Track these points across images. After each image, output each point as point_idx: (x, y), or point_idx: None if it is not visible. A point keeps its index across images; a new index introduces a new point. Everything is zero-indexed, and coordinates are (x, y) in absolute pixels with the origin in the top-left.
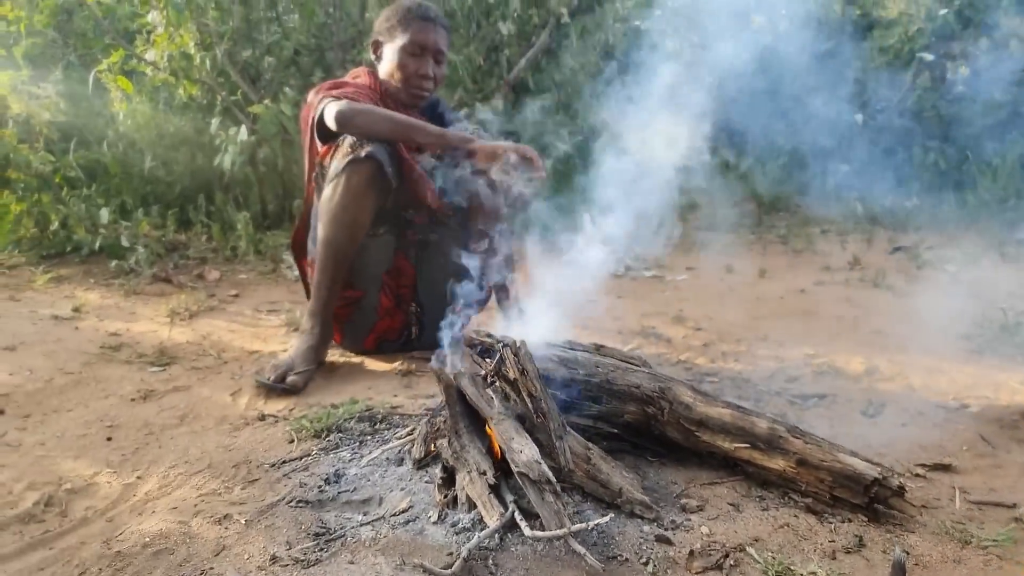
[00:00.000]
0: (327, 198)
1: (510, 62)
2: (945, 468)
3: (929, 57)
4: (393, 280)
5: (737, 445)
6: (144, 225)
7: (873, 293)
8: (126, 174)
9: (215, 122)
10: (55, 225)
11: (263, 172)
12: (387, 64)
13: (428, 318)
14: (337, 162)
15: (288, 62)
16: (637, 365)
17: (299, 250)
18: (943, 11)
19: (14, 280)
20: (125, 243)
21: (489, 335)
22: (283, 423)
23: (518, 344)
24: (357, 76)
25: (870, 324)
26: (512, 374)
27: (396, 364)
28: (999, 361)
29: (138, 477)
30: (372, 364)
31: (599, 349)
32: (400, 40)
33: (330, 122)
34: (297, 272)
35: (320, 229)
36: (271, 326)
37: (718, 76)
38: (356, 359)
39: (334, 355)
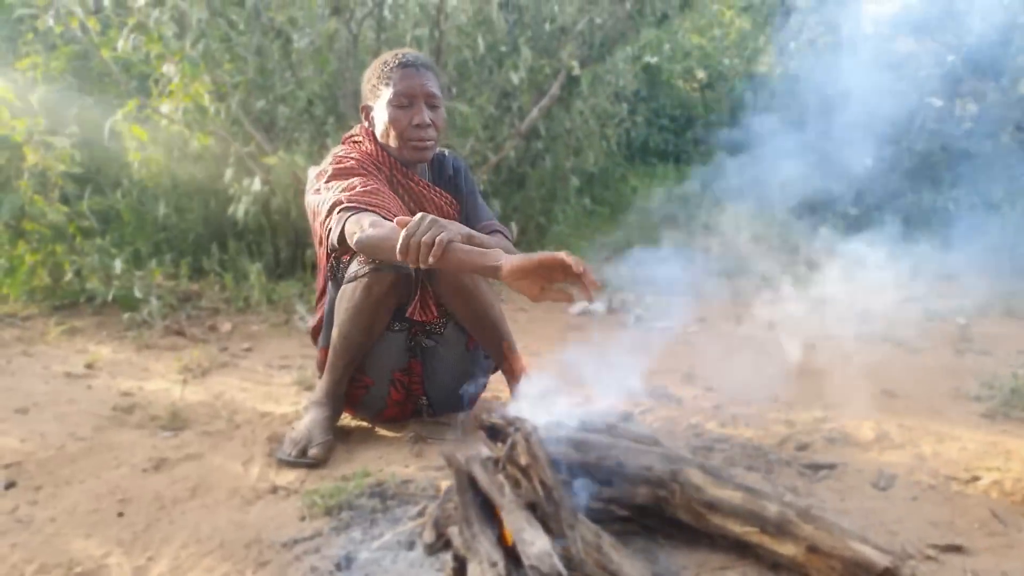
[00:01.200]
0: (347, 296)
1: (521, 111)
2: (956, 549)
3: (938, 102)
4: (405, 376)
5: (747, 529)
6: (157, 274)
7: (883, 348)
8: (140, 222)
9: (229, 172)
10: (69, 275)
11: (276, 221)
12: (380, 126)
13: (437, 408)
14: (357, 266)
15: (302, 111)
16: (649, 444)
17: (315, 338)
18: (950, 57)
19: (28, 333)
20: (138, 294)
21: (501, 416)
22: (294, 496)
23: (529, 429)
24: (358, 140)
25: (880, 384)
26: (524, 460)
27: (407, 432)
28: (1011, 427)
29: (149, 558)
30: (383, 431)
31: (611, 429)
32: (385, 95)
33: (348, 240)
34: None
35: (338, 322)
36: (283, 384)
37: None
38: (366, 424)
39: (345, 418)
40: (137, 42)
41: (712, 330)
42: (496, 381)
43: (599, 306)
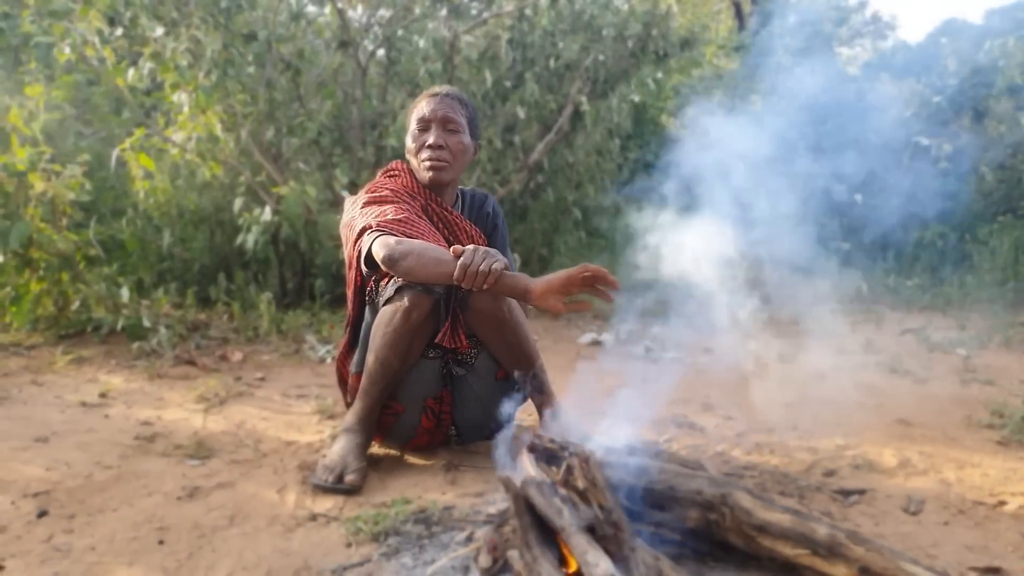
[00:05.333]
0: (384, 321)
1: (524, 144)
2: (996, 572)
3: (925, 141)
4: (437, 404)
5: (798, 551)
6: (164, 303)
7: (891, 379)
8: (144, 251)
9: (238, 202)
10: (75, 304)
11: (284, 251)
12: (408, 154)
13: (465, 438)
14: (394, 290)
15: (310, 142)
16: (694, 469)
17: (343, 367)
18: (936, 98)
19: (35, 362)
20: (147, 323)
21: (552, 440)
22: (336, 523)
23: (587, 453)
24: (395, 174)
25: (894, 412)
26: (581, 483)
27: (438, 459)
28: None
29: None
30: (413, 458)
31: (658, 454)
32: (411, 125)
33: (378, 260)
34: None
35: (375, 347)
36: (303, 413)
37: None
38: (395, 452)
39: (373, 447)
40: (151, 71)
41: (721, 361)
42: (521, 412)
43: (608, 337)
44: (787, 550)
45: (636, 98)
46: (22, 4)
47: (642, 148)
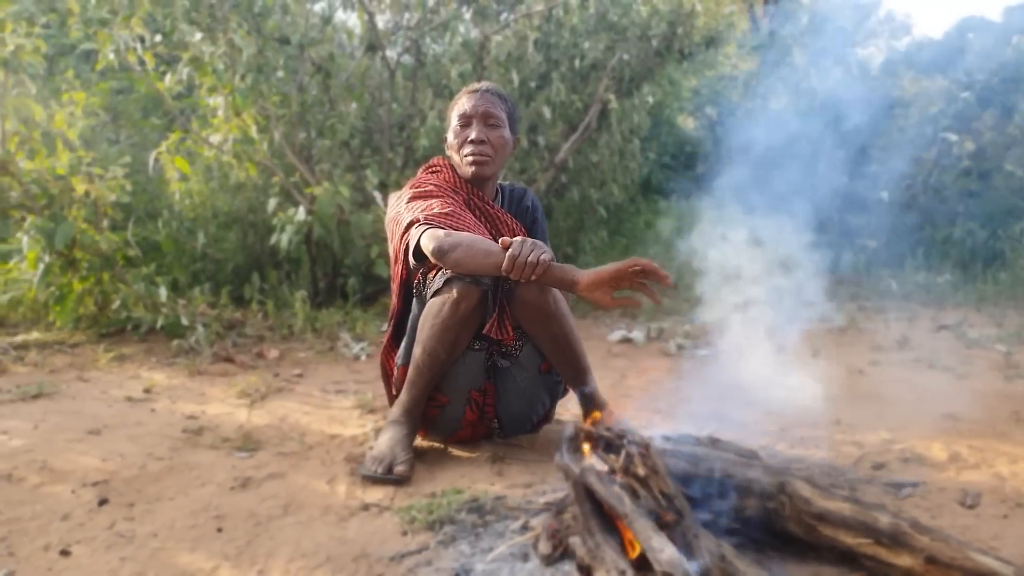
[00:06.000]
0: (433, 313)
1: (548, 144)
2: None
3: (953, 137)
4: (481, 397)
5: (860, 540)
6: (200, 302)
7: (931, 374)
8: (178, 252)
9: (272, 202)
10: (115, 304)
11: (316, 251)
12: (450, 151)
13: (508, 431)
14: (443, 282)
15: (340, 144)
16: (749, 458)
17: (388, 360)
18: (964, 93)
19: (79, 359)
20: (184, 322)
21: (610, 429)
22: (388, 513)
23: (646, 441)
24: (437, 169)
25: (938, 407)
26: (642, 471)
27: (483, 452)
28: None
29: (259, 571)
30: (457, 451)
31: (715, 443)
32: (452, 121)
33: (427, 253)
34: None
35: (422, 338)
36: (343, 408)
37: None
38: (439, 445)
39: (417, 440)
40: (189, 75)
41: (756, 358)
42: (561, 405)
43: (638, 334)
44: (848, 539)
45: (650, 99)
46: (68, 13)
47: (659, 149)
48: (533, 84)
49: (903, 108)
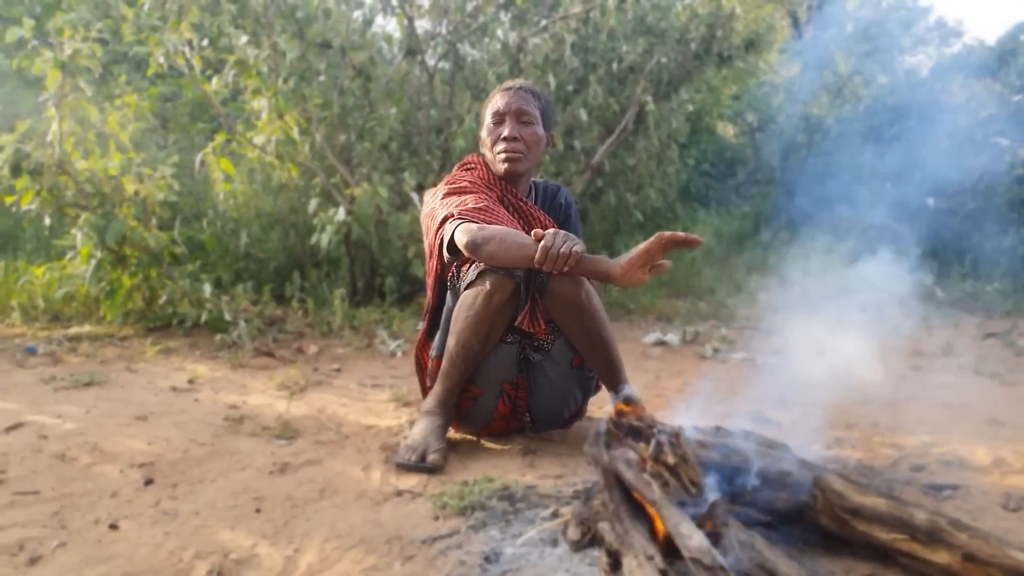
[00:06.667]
0: (466, 305)
1: (585, 147)
2: None
3: (1005, 142)
4: (513, 390)
5: (895, 536)
6: (242, 299)
7: (977, 381)
8: (222, 251)
9: (313, 203)
10: (162, 299)
11: (355, 251)
12: (484, 148)
13: (540, 425)
14: (476, 274)
15: (380, 146)
16: (781, 451)
17: (422, 353)
18: (1016, 97)
19: (127, 351)
20: (227, 317)
21: (640, 418)
22: (421, 499)
23: (676, 430)
24: (472, 167)
25: (982, 413)
26: (672, 460)
27: (515, 444)
28: None
29: (295, 550)
30: (489, 443)
31: (747, 436)
32: (485, 120)
33: (460, 247)
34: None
35: (456, 330)
36: (379, 400)
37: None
38: (471, 437)
39: (450, 432)
40: (235, 78)
41: (793, 361)
42: (594, 404)
43: (673, 337)
44: (883, 535)
45: (690, 106)
46: (122, 19)
47: (697, 157)
48: (570, 87)
49: (952, 113)
